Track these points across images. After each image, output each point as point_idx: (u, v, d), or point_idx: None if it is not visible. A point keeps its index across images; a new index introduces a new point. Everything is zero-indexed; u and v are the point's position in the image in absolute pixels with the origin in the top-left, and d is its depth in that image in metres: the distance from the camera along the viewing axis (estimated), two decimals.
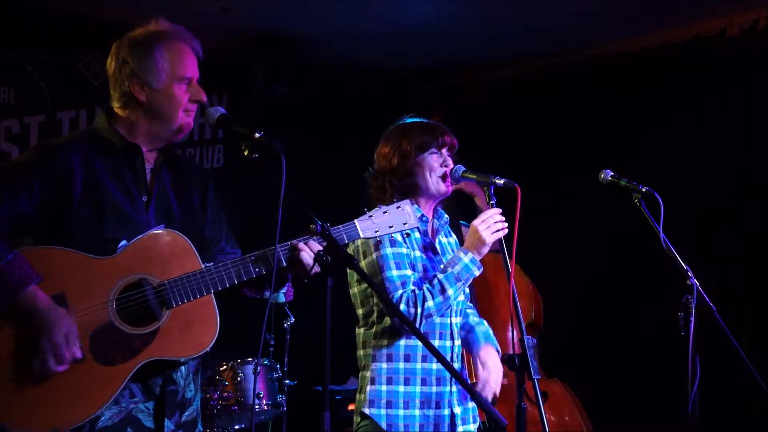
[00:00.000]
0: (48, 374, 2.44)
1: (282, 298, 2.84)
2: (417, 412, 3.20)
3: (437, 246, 3.35)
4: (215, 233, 2.84)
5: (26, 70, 5.59)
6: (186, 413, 2.71)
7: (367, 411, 3.21)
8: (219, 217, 2.87)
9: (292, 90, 6.63)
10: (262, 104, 6.43)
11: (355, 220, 2.70)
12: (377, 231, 2.72)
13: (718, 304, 3.29)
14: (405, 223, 2.74)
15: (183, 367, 2.69)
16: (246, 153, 2.60)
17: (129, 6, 5.61)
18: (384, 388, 3.21)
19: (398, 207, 2.75)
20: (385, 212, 2.74)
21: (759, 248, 5.46)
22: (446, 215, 3.48)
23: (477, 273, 3.19)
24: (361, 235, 2.70)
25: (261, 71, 6.41)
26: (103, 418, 2.53)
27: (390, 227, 2.73)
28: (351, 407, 5.47)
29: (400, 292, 3.14)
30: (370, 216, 2.73)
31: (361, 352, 3.31)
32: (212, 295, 2.59)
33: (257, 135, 2.57)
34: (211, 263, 2.63)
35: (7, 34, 5.47)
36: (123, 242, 2.55)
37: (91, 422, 2.51)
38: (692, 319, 3.19)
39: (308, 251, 2.61)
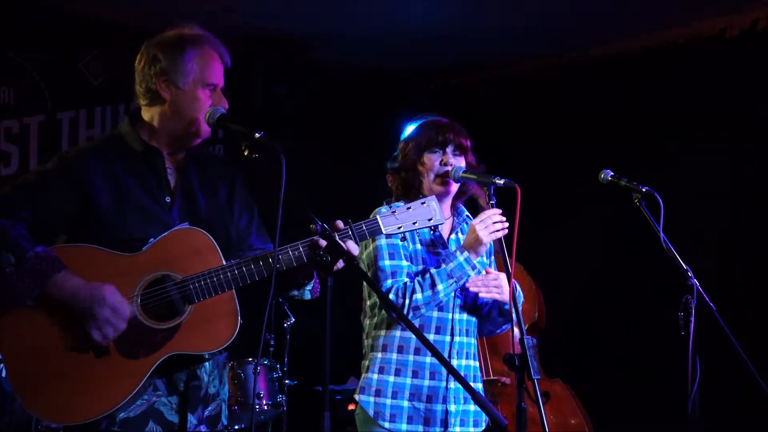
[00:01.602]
0: (107, 344, 2.52)
1: (308, 295, 2.86)
2: (405, 403, 3.19)
3: (453, 243, 3.34)
4: (243, 229, 2.88)
5: (26, 70, 5.59)
6: (209, 408, 2.77)
7: (357, 398, 3.25)
8: (248, 212, 2.90)
9: (292, 90, 6.63)
10: (262, 104, 6.43)
11: (378, 216, 2.70)
12: (400, 227, 2.70)
13: (718, 304, 3.29)
14: (430, 219, 2.71)
15: (207, 363, 2.75)
16: (246, 153, 2.61)
17: (129, 6, 5.62)
18: (375, 376, 3.22)
19: (423, 203, 2.72)
20: (408, 208, 2.72)
21: (759, 248, 5.46)
22: (466, 211, 3.46)
23: (471, 273, 3.18)
24: (384, 231, 2.69)
25: (261, 71, 6.41)
26: (125, 410, 2.59)
27: (414, 223, 2.70)
28: (351, 407, 5.48)
29: (389, 281, 3.16)
30: (393, 212, 2.71)
31: (364, 343, 3.35)
32: (233, 291, 2.64)
33: (257, 135, 2.58)
34: (235, 260, 2.66)
35: (7, 34, 5.48)
36: (151, 240, 2.63)
37: (112, 414, 2.57)
38: (692, 319, 3.18)
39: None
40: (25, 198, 2.59)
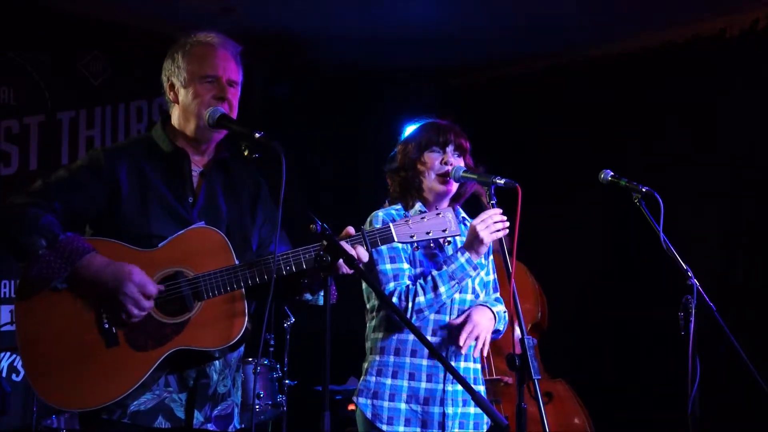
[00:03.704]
0: (131, 321, 2.60)
1: (321, 301, 2.87)
2: (403, 405, 3.19)
3: (449, 244, 3.34)
4: (265, 237, 2.92)
5: (26, 70, 5.59)
6: (219, 407, 2.81)
7: (355, 400, 3.25)
8: (271, 221, 2.94)
9: (292, 90, 6.63)
10: (262, 104, 6.43)
11: (391, 224, 2.73)
12: (413, 236, 2.72)
13: (718, 304, 3.29)
14: (444, 230, 2.74)
15: (217, 362, 2.79)
16: (246, 153, 2.65)
17: (129, 6, 5.62)
18: (373, 379, 3.23)
19: (438, 213, 2.75)
20: (423, 218, 2.74)
21: (759, 248, 5.46)
22: (462, 213, 3.46)
23: (472, 273, 3.18)
24: (396, 239, 2.71)
25: (261, 71, 6.42)
26: (135, 402, 2.66)
27: (427, 233, 2.73)
28: (351, 407, 5.50)
29: (392, 284, 3.16)
30: (407, 221, 2.74)
31: (366, 345, 3.35)
32: (243, 290, 2.67)
33: (257, 135, 2.61)
34: (246, 261, 2.70)
35: (7, 34, 5.48)
36: (169, 237, 2.69)
37: (124, 405, 2.64)
38: (692, 319, 3.18)
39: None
40: (56, 191, 2.68)
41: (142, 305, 2.59)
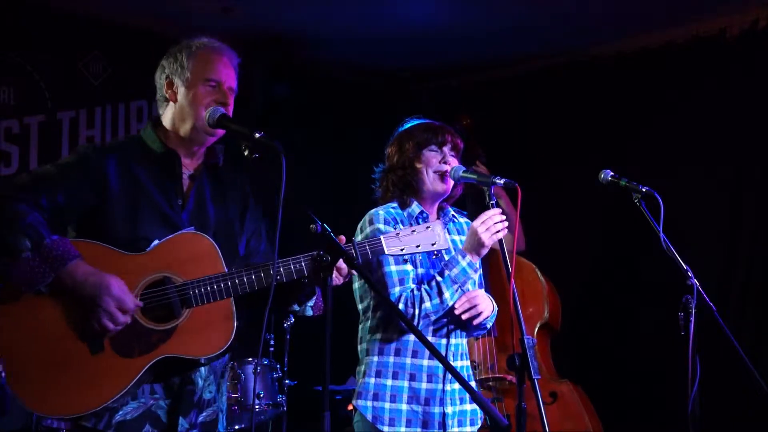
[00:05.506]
0: (105, 334, 2.54)
1: (309, 312, 2.86)
2: (404, 406, 3.20)
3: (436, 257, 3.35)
4: (254, 247, 2.91)
5: (26, 70, 5.58)
6: (204, 414, 2.78)
7: (354, 403, 3.26)
8: (257, 233, 2.93)
9: (292, 90, 6.62)
10: (262, 104, 6.42)
11: (382, 237, 2.74)
12: (403, 249, 2.74)
13: (718, 304, 3.29)
14: (433, 244, 2.76)
15: (203, 368, 2.76)
16: (246, 153, 2.64)
17: (129, 6, 5.62)
18: (372, 380, 3.23)
19: (428, 227, 2.77)
20: (413, 231, 2.76)
21: (759, 248, 5.46)
22: (452, 211, 3.47)
23: (474, 276, 3.20)
24: (386, 251, 2.73)
25: (261, 71, 6.41)
26: (121, 412, 2.62)
27: (417, 246, 2.75)
28: (351, 407, 5.49)
29: (398, 289, 3.17)
30: (398, 234, 2.75)
31: (359, 347, 3.35)
32: (232, 298, 2.64)
33: (257, 135, 2.61)
34: (237, 269, 2.68)
35: (7, 34, 5.47)
36: (156, 242, 2.65)
37: (109, 415, 2.60)
38: (692, 319, 3.19)
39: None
40: (44, 187, 2.62)
41: (116, 319, 2.53)
